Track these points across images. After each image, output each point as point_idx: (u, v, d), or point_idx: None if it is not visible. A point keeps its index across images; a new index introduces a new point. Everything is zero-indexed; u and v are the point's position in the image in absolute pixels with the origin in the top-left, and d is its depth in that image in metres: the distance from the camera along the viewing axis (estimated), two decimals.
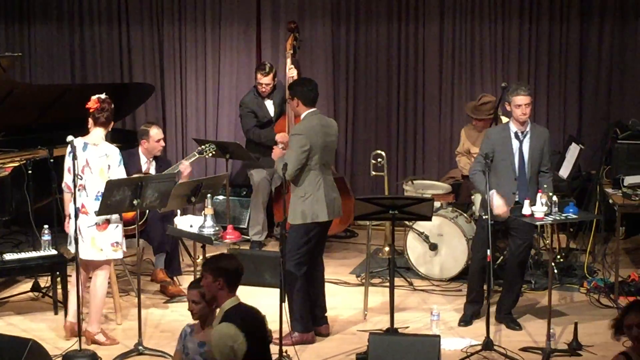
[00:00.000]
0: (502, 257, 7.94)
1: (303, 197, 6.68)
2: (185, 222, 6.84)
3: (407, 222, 8.11)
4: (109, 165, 6.62)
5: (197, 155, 8.01)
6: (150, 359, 6.55)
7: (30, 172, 7.82)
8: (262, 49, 10.03)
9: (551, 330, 6.56)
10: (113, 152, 6.67)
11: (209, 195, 6.73)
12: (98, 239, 6.63)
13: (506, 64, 9.75)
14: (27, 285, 7.88)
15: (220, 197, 9.05)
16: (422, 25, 9.80)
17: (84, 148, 6.59)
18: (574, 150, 8.31)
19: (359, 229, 9.60)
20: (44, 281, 7.76)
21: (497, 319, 7.13)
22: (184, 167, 7.87)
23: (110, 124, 6.75)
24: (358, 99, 10.02)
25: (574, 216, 6.70)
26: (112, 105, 6.72)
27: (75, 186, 6.42)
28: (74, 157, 6.42)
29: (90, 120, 6.67)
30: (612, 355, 6.48)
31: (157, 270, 7.84)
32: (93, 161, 6.61)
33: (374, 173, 8.82)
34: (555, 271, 7.92)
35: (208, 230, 6.65)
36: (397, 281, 7.61)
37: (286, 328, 6.50)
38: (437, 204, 8.10)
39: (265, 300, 7.44)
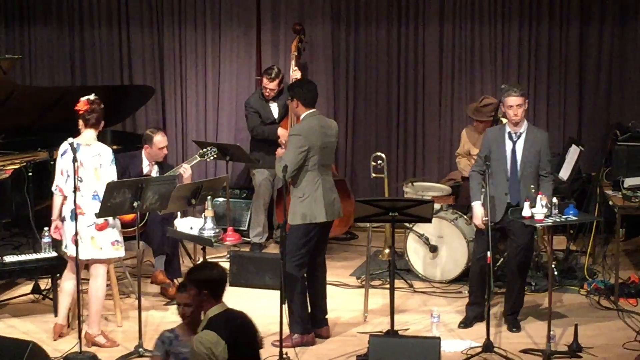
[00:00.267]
0: (502, 259, 7.94)
1: (301, 197, 6.67)
2: (186, 224, 6.83)
3: (407, 224, 8.11)
4: (100, 164, 6.61)
5: (199, 159, 8.01)
6: None
7: (30, 174, 7.82)
8: (262, 51, 10.03)
9: (551, 332, 6.54)
10: (105, 152, 6.66)
11: (209, 197, 6.72)
12: (98, 238, 6.62)
13: (506, 66, 9.73)
14: (27, 287, 7.87)
15: (221, 199, 9.04)
16: (422, 27, 9.80)
17: (76, 149, 6.58)
18: (573, 152, 8.30)
19: (359, 231, 9.59)
20: (45, 283, 7.76)
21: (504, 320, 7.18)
22: (185, 170, 7.86)
23: (101, 124, 6.72)
24: (358, 100, 10.02)
25: (574, 218, 6.69)
26: (102, 106, 6.69)
27: (75, 188, 6.41)
28: (74, 160, 6.40)
29: (81, 122, 6.65)
30: (612, 356, 6.52)
31: (157, 272, 7.83)
32: (87, 161, 6.59)
33: (374, 175, 8.82)
34: (556, 273, 7.92)
35: (208, 232, 6.64)
36: (398, 283, 7.62)
37: (286, 330, 6.49)
38: (437, 205, 8.09)
39: (265, 301, 7.44)
